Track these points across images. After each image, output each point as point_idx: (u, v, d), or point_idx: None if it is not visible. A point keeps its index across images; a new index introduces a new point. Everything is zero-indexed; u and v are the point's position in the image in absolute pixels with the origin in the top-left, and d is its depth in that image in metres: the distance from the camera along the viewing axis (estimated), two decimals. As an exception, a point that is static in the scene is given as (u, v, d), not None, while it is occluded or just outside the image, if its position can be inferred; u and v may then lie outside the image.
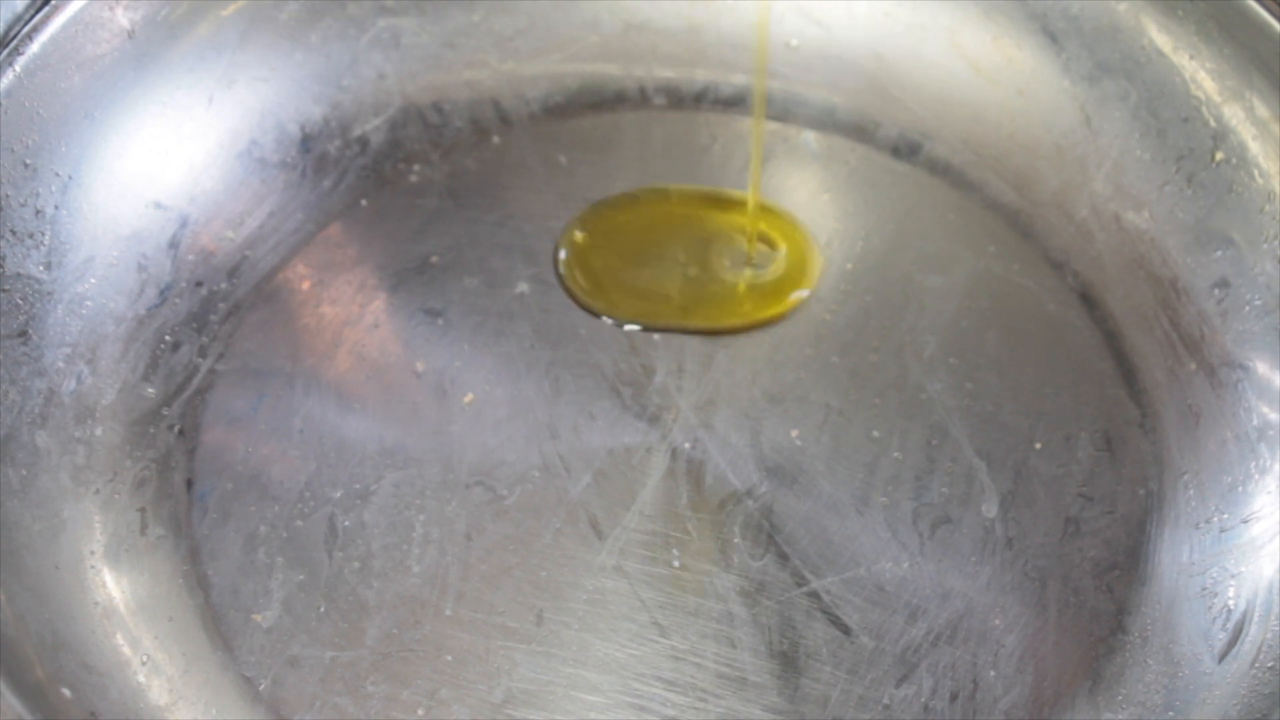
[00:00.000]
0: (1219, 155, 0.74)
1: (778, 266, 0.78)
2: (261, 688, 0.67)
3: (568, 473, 0.72)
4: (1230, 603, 0.69)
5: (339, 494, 0.71)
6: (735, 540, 0.70)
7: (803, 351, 0.75)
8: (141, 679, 0.67)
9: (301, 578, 0.69)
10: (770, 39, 0.82)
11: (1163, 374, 0.74)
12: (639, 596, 0.69)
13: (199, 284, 0.76)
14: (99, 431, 0.71)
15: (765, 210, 0.79)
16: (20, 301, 0.70)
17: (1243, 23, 0.73)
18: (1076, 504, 0.71)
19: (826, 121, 0.81)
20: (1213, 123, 0.75)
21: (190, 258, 0.76)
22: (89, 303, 0.72)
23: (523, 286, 0.76)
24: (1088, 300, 0.76)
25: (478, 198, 0.79)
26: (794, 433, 0.72)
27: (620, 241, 0.78)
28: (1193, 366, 0.74)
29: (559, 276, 0.77)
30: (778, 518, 0.70)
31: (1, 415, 0.68)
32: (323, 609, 0.69)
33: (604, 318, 0.76)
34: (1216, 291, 0.74)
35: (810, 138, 0.82)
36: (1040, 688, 0.67)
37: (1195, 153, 0.75)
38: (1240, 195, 0.74)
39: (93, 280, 0.73)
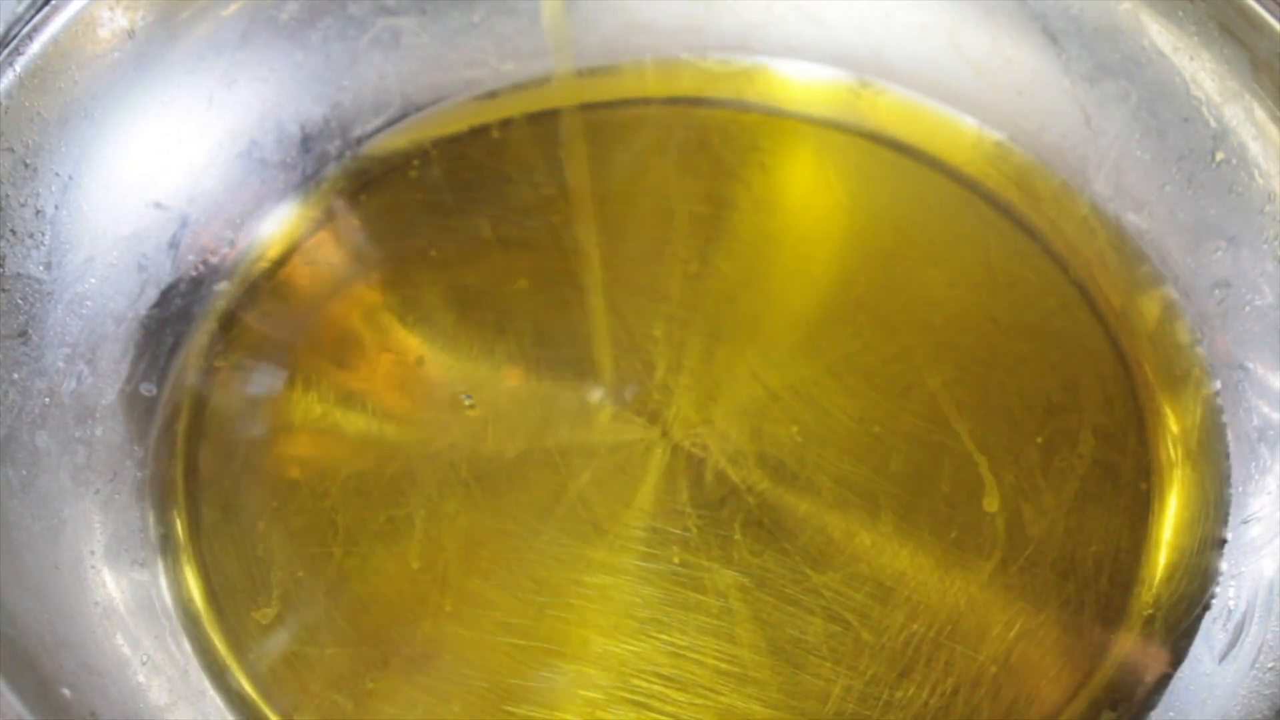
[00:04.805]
0: (1219, 155, 0.74)
1: None
2: (261, 686, 0.67)
3: (567, 470, 0.72)
4: (1230, 603, 0.69)
5: (339, 491, 0.71)
6: (735, 536, 0.70)
7: (803, 347, 0.75)
8: (141, 679, 0.67)
9: (301, 575, 0.69)
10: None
11: (1163, 373, 0.74)
12: (639, 593, 0.69)
13: (199, 284, 0.76)
14: (99, 431, 0.71)
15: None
16: (20, 301, 0.70)
17: (1243, 23, 0.73)
18: (1077, 500, 0.71)
19: (826, 120, 0.82)
20: (1213, 123, 0.75)
21: (190, 258, 0.76)
22: (89, 303, 0.72)
23: (522, 283, 0.76)
24: (1088, 299, 0.76)
25: (477, 193, 0.79)
26: (794, 428, 0.72)
27: None
28: (1193, 367, 0.74)
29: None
30: (778, 514, 0.70)
31: (1, 415, 0.68)
32: (323, 606, 0.69)
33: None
34: (1216, 291, 0.74)
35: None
36: (1040, 685, 0.67)
37: (1195, 153, 0.75)
38: (1240, 195, 0.74)
39: (93, 280, 0.73)
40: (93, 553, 0.69)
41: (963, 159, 0.80)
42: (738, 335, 0.75)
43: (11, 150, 0.70)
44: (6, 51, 0.69)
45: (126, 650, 0.67)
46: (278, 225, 0.78)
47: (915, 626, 0.68)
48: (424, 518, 0.70)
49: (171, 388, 0.74)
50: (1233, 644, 0.67)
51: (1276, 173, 0.73)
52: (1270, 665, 0.66)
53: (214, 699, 0.68)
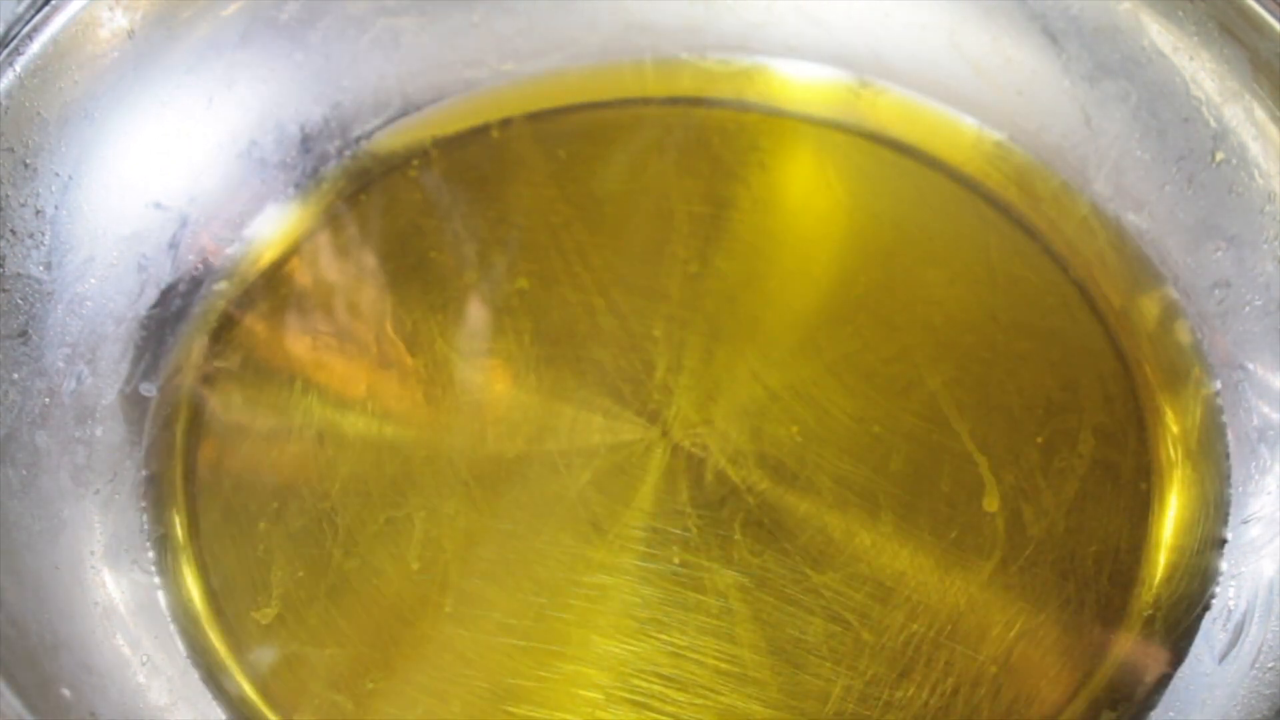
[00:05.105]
0: (1219, 155, 0.74)
1: None
2: (261, 686, 0.67)
3: (567, 470, 0.72)
4: (1230, 603, 0.69)
5: (338, 491, 0.71)
6: (735, 537, 0.70)
7: (803, 347, 0.75)
8: (141, 679, 0.67)
9: (301, 575, 0.69)
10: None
11: (1163, 373, 0.74)
12: (639, 593, 0.69)
13: (199, 284, 0.76)
14: (99, 431, 0.71)
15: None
16: (20, 301, 0.70)
17: (1243, 23, 0.73)
18: (1077, 500, 0.71)
19: (826, 120, 0.82)
20: (1213, 123, 0.75)
21: (190, 258, 0.76)
22: (89, 303, 0.72)
23: (522, 282, 0.76)
24: (1088, 298, 0.76)
25: (477, 193, 0.79)
26: (794, 428, 0.72)
27: None
28: (1193, 367, 0.74)
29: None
30: (778, 514, 0.70)
31: (1, 415, 0.68)
32: (322, 607, 0.69)
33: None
34: (1216, 291, 0.74)
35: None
36: (1040, 685, 0.67)
37: (1195, 153, 0.75)
38: (1240, 195, 0.74)
39: (93, 280, 0.73)
40: (93, 553, 0.69)
41: (963, 159, 0.80)
42: (738, 335, 0.75)
43: (11, 150, 0.70)
44: (6, 51, 0.69)
45: (126, 650, 0.68)
46: (278, 225, 0.78)
47: (915, 626, 0.68)
48: (424, 518, 0.70)
49: (171, 388, 0.74)
50: (1233, 644, 0.67)
51: (1276, 173, 0.73)
52: (1270, 665, 0.66)
53: (214, 700, 0.68)
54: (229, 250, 0.77)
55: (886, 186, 0.80)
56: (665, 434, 0.72)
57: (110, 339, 0.73)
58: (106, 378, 0.73)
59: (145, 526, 0.71)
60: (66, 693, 0.63)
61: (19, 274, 0.70)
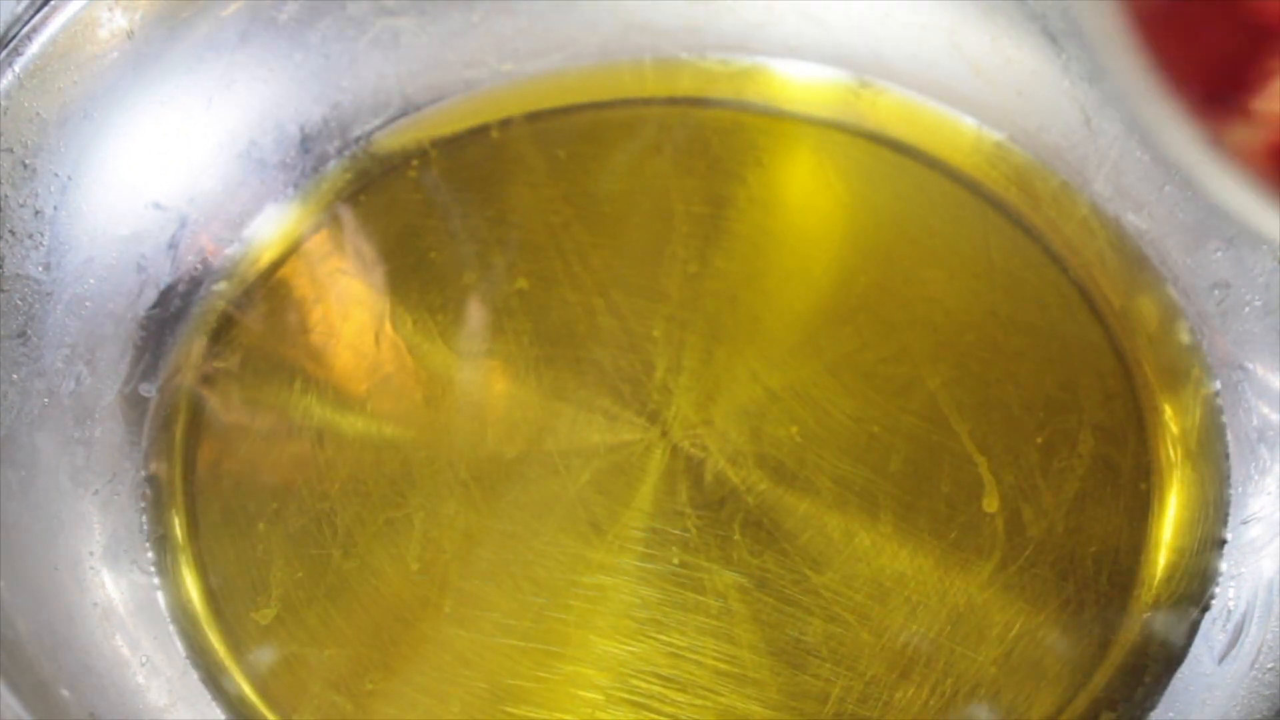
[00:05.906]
0: (1219, 156, 0.74)
1: None
2: (260, 687, 0.67)
3: (566, 470, 0.71)
4: (1230, 603, 0.69)
5: (338, 492, 0.71)
6: (735, 537, 0.70)
7: (803, 347, 0.75)
8: (141, 680, 0.67)
9: (300, 575, 0.69)
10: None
11: (1163, 373, 0.74)
12: (638, 594, 0.69)
13: (199, 284, 0.76)
14: (98, 432, 0.71)
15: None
16: (20, 302, 0.70)
17: (1242, 23, 0.73)
18: (1077, 500, 0.71)
19: (826, 120, 0.81)
20: (1213, 123, 0.75)
21: (190, 258, 0.76)
22: (89, 303, 0.72)
23: (522, 283, 0.76)
24: (1088, 298, 0.76)
25: (477, 193, 0.79)
26: (794, 429, 0.72)
27: None
28: (1193, 367, 0.74)
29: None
30: (778, 514, 0.70)
31: (1, 416, 0.68)
32: (322, 607, 0.69)
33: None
34: (1216, 292, 0.74)
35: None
36: (1040, 685, 0.67)
37: (1195, 153, 0.75)
38: (1240, 195, 0.74)
39: (92, 281, 0.73)
40: (91, 554, 0.69)
41: (963, 159, 0.80)
42: (738, 335, 0.75)
43: (11, 150, 0.70)
44: (6, 51, 0.69)
45: (126, 651, 0.67)
46: (277, 226, 0.78)
47: (915, 627, 0.68)
48: (423, 519, 0.70)
49: (170, 388, 0.74)
50: (1233, 644, 0.67)
51: (1277, 173, 0.73)
52: (1270, 665, 0.66)
53: (213, 700, 0.68)
54: (228, 250, 0.77)
55: (886, 186, 0.80)
56: (665, 434, 0.72)
57: (109, 339, 0.73)
58: (106, 378, 0.72)
59: (144, 527, 0.71)
60: (66, 693, 0.63)
61: (18, 274, 0.70)
